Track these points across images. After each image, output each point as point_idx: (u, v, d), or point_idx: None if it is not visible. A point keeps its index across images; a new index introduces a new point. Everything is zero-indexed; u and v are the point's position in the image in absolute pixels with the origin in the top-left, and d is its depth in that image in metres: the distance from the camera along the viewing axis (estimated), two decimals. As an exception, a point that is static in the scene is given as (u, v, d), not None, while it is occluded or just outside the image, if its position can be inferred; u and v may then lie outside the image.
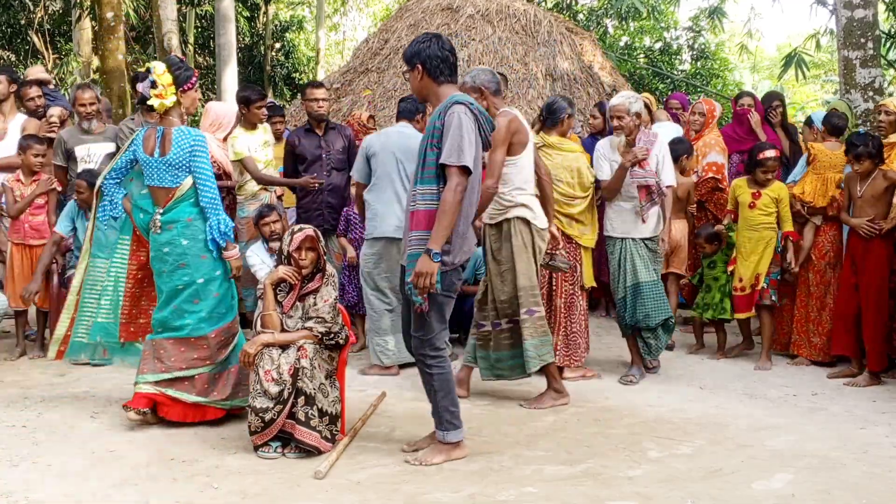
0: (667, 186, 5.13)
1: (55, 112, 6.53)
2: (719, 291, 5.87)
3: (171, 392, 4.15)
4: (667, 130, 6.51)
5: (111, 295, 4.40)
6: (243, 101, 6.28)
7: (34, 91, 6.66)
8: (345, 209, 6.23)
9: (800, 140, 6.73)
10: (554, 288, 5.26)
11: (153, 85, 4.15)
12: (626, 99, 5.12)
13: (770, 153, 5.64)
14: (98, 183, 4.43)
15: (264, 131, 6.39)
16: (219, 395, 4.22)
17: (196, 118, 7.92)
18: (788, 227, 5.61)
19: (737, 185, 5.80)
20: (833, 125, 5.86)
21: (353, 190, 5.86)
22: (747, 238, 5.66)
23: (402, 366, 5.42)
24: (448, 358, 3.77)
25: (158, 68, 4.17)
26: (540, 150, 5.16)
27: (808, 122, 6.32)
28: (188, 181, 4.16)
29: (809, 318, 5.70)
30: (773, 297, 5.66)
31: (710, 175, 6.40)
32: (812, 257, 5.69)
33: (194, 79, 4.25)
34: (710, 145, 6.55)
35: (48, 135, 6.29)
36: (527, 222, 4.67)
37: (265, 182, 6.25)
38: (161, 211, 4.19)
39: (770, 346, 5.69)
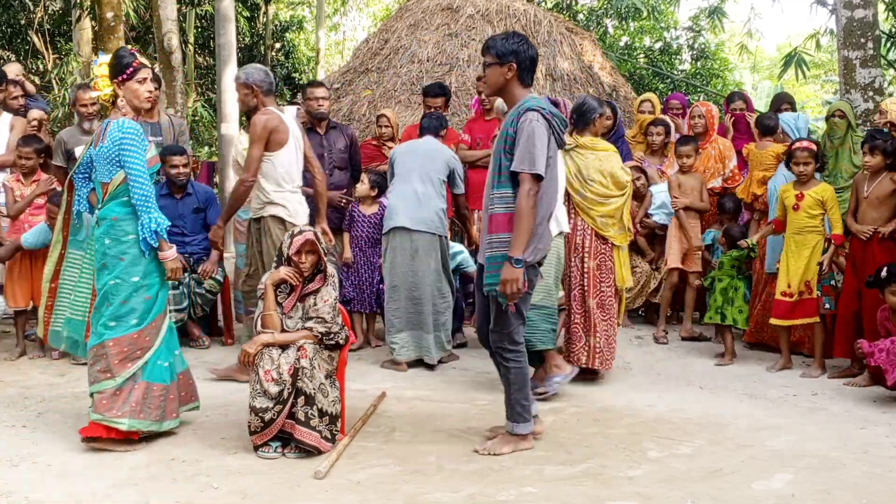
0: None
1: (37, 115, 6.58)
2: (721, 295, 5.79)
3: None
4: (662, 194, 6.63)
5: (85, 291, 4.18)
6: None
7: (17, 90, 6.67)
8: (351, 205, 6.30)
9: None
10: (586, 288, 5.13)
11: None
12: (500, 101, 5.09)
13: (802, 144, 5.53)
14: (69, 176, 4.29)
15: None
16: (116, 412, 3.82)
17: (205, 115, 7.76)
18: (836, 230, 5.38)
19: (783, 190, 5.62)
20: (764, 126, 6.19)
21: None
22: (793, 242, 5.46)
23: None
24: (525, 352, 3.87)
25: (101, 59, 4.03)
26: (572, 150, 5.13)
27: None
28: (119, 176, 3.88)
29: (759, 303, 6.00)
30: (828, 305, 5.49)
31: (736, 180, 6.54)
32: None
33: (131, 69, 3.93)
34: (731, 148, 6.64)
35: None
36: (281, 221, 4.92)
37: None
38: (99, 206, 3.99)
39: (822, 354, 5.45)
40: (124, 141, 3.84)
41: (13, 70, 7.54)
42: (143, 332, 3.94)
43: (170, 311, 5.76)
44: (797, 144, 5.53)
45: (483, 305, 3.93)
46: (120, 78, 3.95)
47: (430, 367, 5.54)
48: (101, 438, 3.84)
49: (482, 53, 3.87)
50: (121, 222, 3.91)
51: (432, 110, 6.49)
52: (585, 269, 5.14)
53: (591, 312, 5.11)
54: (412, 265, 5.51)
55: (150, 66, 4.05)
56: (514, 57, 3.70)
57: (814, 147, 5.52)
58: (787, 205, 5.54)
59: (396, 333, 5.53)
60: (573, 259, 5.18)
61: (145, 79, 4.00)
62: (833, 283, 5.58)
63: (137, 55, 4.00)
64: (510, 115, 3.71)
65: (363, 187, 6.14)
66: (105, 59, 4.03)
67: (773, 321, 5.56)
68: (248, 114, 5.21)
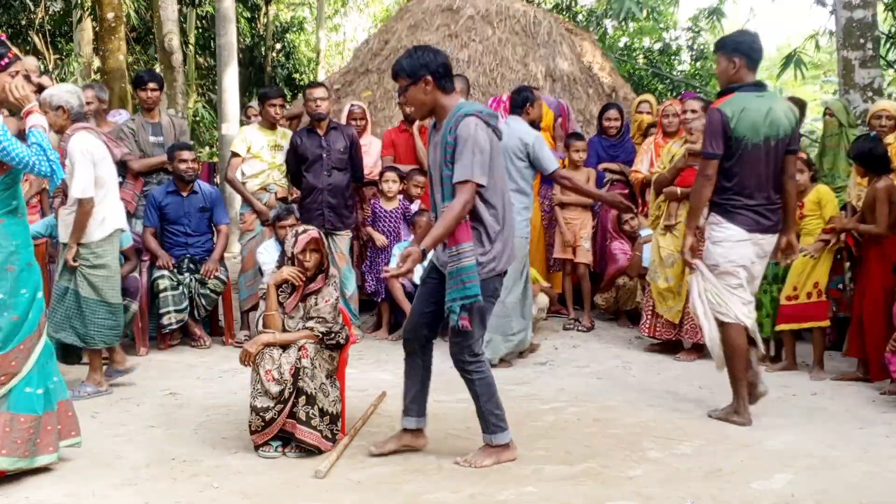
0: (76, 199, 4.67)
1: None
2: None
3: None
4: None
5: None
6: (259, 98, 6.58)
7: (29, 86, 6.61)
8: (371, 202, 6.64)
9: None
10: None
11: None
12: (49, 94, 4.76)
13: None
14: None
15: (282, 136, 6.46)
16: None
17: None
18: (829, 224, 5.38)
19: None
20: None
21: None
22: (807, 243, 5.41)
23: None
24: (487, 362, 3.75)
25: None
26: None
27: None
28: None
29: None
30: (834, 308, 5.43)
31: None
32: None
33: (6, 60, 3.50)
34: None
35: None
36: None
37: (232, 186, 6.49)
38: None
39: (822, 357, 5.38)
40: None
41: (29, 65, 7.49)
42: (7, 356, 3.43)
43: (170, 312, 5.86)
44: None
45: (420, 309, 3.80)
46: None
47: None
48: None
49: (394, 79, 3.66)
50: None
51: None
52: None
53: None
54: None
55: (22, 58, 3.64)
56: (426, 70, 3.53)
57: (805, 156, 5.55)
58: None
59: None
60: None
61: (17, 73, 3.57)
62: (840, 286, 5.53)
63: (11, 46, 3.61)
64: (447, 123, 3.53)
65: (395, 185, 6.59)
66: None
67: (779, 327, 5.50)
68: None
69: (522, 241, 5.43)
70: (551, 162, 5.40)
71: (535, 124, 5.83)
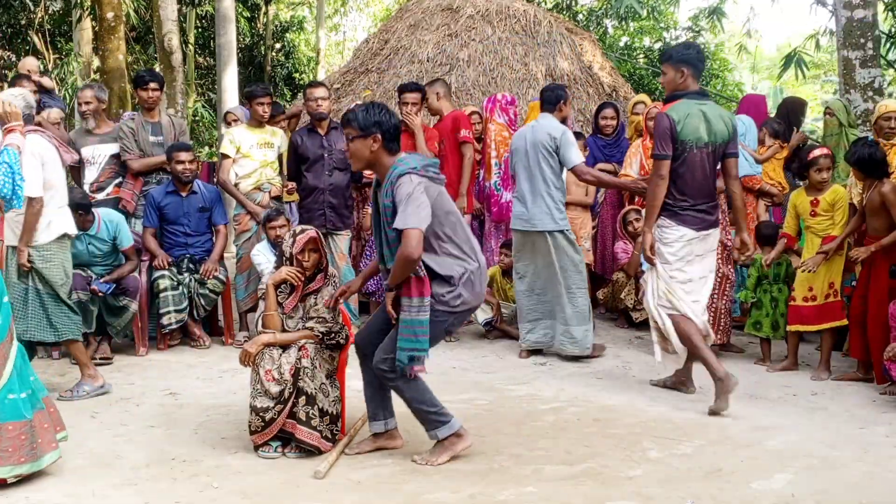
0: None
1: (56, 117, 6.54)
2: (751, 293, 5.72)
3: None
4: None
5: None
6: (246, 97, 6.48)
7: (30, 86, 6.62)
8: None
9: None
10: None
11: None
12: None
13: (822, 150, 5.50)
14: None
15: (272, 134, 6.44)
16: None
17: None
18: (834, 231, 5.36)
19: (795, 197, 5.57)
20: (773, 129, 6.68)
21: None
22: (813, 246, 5.40)
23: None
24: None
25: None
26: None
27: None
28: None
29: None
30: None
31: None
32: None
33: None
34: None
35: None
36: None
37: (224, 188, 6.42)
38: None
39: (829, 357, 5.36)
40: None
41: (29, 65, 7.48)
42: None
43: (170, 312, 5.86)
44: (818, 151, 5.47)
45: (380, 319, 3.84)
46: None
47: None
48: None
49: (343, 126, 3.71)
50: None
51: (408, 106, 6.48)
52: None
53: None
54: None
55: None
56: (377, 128, 3.57)
57: (829, 150, 5.53)
58: (801, 212, 5.49)
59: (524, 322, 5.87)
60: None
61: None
62: (854, 283, 5.50)
63: None
64: (385, 186, 3.57)
65: None
66: None
67: (794, 328, 5.46)
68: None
69: (567, 233, 5.67)
70: (573, 157, 5.53)
71: (564, 122, 5.89)
